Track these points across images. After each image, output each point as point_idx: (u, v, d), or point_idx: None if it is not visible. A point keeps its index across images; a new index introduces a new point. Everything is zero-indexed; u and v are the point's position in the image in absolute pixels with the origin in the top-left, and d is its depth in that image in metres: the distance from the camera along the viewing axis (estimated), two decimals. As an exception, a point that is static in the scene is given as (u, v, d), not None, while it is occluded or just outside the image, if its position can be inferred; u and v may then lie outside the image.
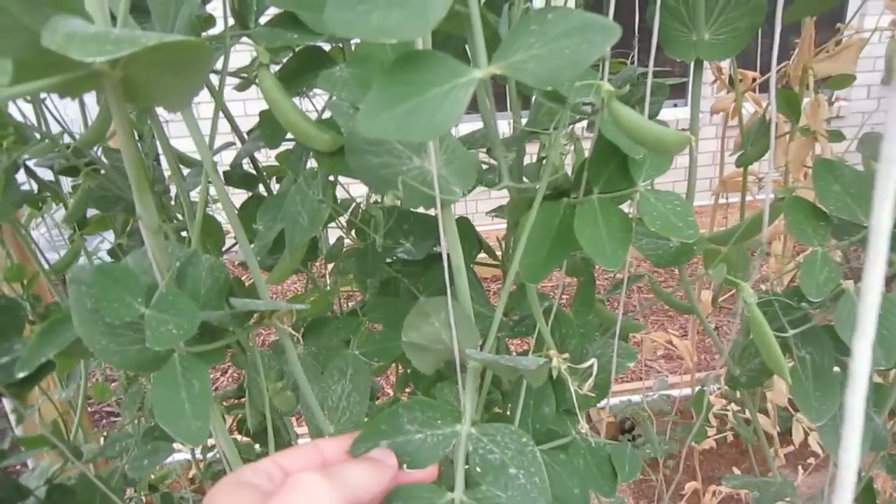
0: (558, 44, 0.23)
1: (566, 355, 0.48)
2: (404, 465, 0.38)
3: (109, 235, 1.02)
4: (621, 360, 0.60)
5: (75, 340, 0.52)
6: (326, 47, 0.52)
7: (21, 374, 0.45)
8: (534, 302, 0.57)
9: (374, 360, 0.60)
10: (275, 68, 0.50)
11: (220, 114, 0.52)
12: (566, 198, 0.48)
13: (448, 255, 0.44)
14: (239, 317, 0.45)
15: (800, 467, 1.64)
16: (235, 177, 0.81)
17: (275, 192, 0.55)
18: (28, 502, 0.71)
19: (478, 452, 0.39)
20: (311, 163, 0.51)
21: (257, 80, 0.44)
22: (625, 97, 0.42)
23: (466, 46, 0.40)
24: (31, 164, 0.90)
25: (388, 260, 0.68)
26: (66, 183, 1.01)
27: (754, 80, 1.04)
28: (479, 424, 0.41)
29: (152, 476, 1.34)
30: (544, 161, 0.58)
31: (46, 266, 0.96)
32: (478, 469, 0.39)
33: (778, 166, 0.92)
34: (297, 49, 0.48)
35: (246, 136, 0.74)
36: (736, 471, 1.67)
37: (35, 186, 0.92)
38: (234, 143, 0.83)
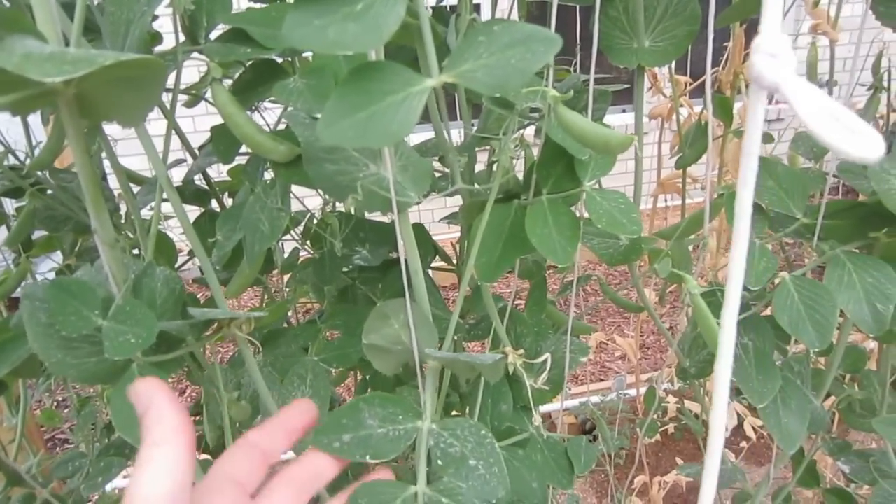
0: (504, 54, 0.25)
1: (521, 351, 0.50)
2: (367, 457, 0.39)
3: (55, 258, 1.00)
4: (574, 355, 0.62)
5: (26, 360, 0.52)
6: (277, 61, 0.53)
7: (-26, 393, 0.45)
8: (489, 301, 0.59)
9: (333, 366, 0.61)
10: (227, 82, 0.51)
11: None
12: (517, 200, 0.50)
13: (405, 259, 0.45)
14: (197, 326, 0.45)
15: (732, 452, 1.72)
16: (188, 192, 0.81)
17: (228, 207, 0.55)
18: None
19: (439, 446, 0.41)
20: (268, 174, 0.52)
21: (208, 96, 0.44)
22: (570, 104, 0.44)
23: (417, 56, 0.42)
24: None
25: (345, 269, 0.69)
26: (9, 204, 0.99)
27: (687, 85, 1.09)
28: (440, 420, 0.42)
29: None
30: (495, 166, 0.60)
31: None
32: (439, 462, 0.40)
33: (714, 167, 0.96)
34: (249, 63, 0.48)
35: (197, 151, 0.74)
36: (679, 461, 1.73)
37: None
38: (185, 160, 0.82)
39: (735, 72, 0.81)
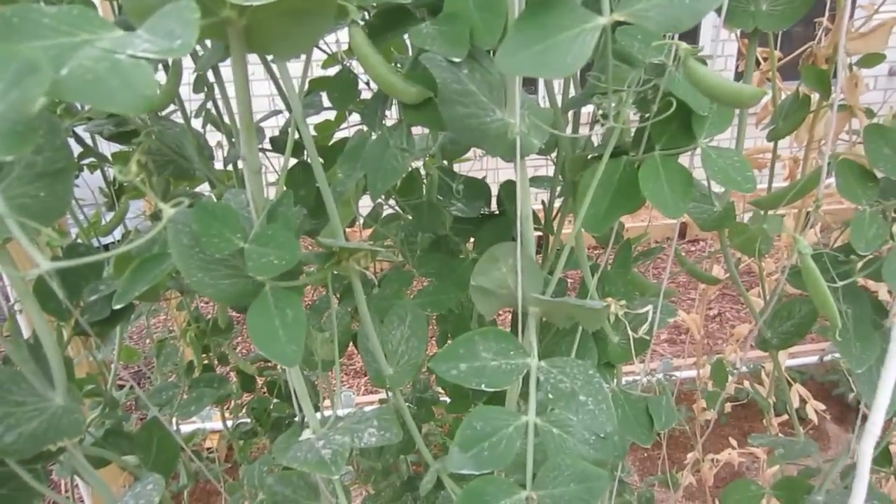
0: (679, -7, 0.26)
1: (623, 301, 0.51)
2: (482, 385, 0.42)
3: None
4: (663, 316, 0.63)
5: (149, 287, 0.56)
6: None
7: (118, 306, 0.49)
8: (582, 257, 0.60)
9: (427, 311, 0.64)
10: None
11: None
12: (625, 156, 0.51)
13: (520, 203, 0.47)
14: (322, 256, 0.48)
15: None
16: (282, 143, 0.84)
17: (348, 148, 0.57)
18: (85, 442, 0.74)
19: (549, 381, 0.43)
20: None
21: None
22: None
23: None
24: (77, 129, 0.93)
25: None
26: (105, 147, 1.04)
27: (780, 59, 1.06)
28: (548, 358, 0.45)
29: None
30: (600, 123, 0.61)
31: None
32: (549, 396, 0.42)
33: (801, 142, 0.95)
34: (377, 9, 0.50)
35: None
36: (733, 441, 1.73)
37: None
38: (281, 111, 0.85)
39: (836, 45, 0.79)
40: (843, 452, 0.66)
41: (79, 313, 0.58)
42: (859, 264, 0.56)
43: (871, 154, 0.47)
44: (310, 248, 0.55)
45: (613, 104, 0.45)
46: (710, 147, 0.47)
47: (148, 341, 1.41)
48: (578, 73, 0.61)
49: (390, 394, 0.68)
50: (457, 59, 0.42)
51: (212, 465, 1.49)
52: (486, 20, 0.42)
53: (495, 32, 0.40)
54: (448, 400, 0.81)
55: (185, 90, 0.87)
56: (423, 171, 0.73)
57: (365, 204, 0.87)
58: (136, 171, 0.81)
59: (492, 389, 0.42)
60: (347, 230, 0.92)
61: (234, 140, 0.86)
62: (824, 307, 0.46)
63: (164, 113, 0.91)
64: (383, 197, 0.82)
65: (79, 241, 0.98)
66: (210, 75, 0.81)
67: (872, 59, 0.80)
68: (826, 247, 0.69)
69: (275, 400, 1.21)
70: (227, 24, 0.36)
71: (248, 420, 1.28)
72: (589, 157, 0.55)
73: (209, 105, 0.86)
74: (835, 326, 0.47)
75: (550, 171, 0.69)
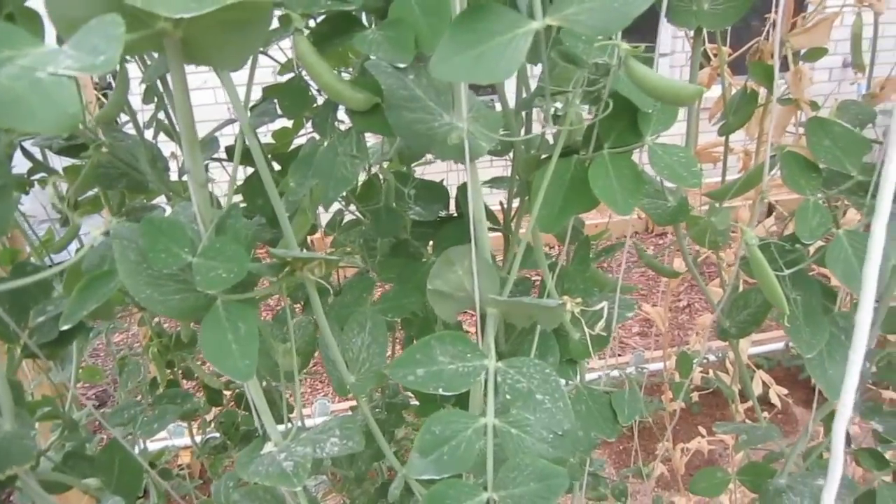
0: (609, -3, 0.27)
1: (579, 299, 0.52)
2: (440, 389, 0.42)
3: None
4: (621, 311, 0.64)
5: (101, 305, 0.54)
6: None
7: (65, 327, 0.48)
8: (540, 256, 0.61)
9: (389, 316, 0.64)
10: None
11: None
12: (576, 155, 0.52)
13: (472, 207, 0.47)
14: (274, 267, 0.48)
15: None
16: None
17: (300, 156, 0.57)
18: (44, 467, 0.72)
19: (506, 382, 0.43)
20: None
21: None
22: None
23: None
24: (25, 144, 0.91)
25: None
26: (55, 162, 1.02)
27: (729, 55, 1.09)
28: (506, 359, 0.45)
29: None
30: (548, 125, 0.61)
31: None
32: (507, 396, 0.42)
33: (752, 135, 0.97)
34: (324, 16, 0.50)
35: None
36: (702, 429, 1.77)
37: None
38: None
39: (782, 40, 0.81)
40: (803, 435, 0.68)
41: (27, 335, 0.57)
42: (811, 250, 0.58)
43: (813, 146, 0.48)
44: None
45: (560, 105, 0.46)
46: (657, 144, 0.47)
47: (111, 359, 1.37)
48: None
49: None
50: (402, 65, 0.42)
51: (184, 482, 1.46)
52: (431, 25, 0.42)
53: (441, 37, 0.40)
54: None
55: (136, 100, 0.86)
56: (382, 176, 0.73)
57: (330, 209, 0.86)
58: (55, 194, 0.79)
59: (450, 393, 0.42)
60: (310, 237, 0.91)
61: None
62: (772, 295, 0.47)
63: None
64: (344, 203, 0.81)
65: (31, 259, 0.96)
66: (160, 84, 0.80)
67: (816, 54, 0.82)
68: (781, 235, 0.71)
69: (243, 413, 1.20)
70: (163, 35, 0.35)
71: (218, 435, 1.26)
72: (542, 157, 0.56)
73: (161, 115, 0.84)
74: (784, 313, 0.48)
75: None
